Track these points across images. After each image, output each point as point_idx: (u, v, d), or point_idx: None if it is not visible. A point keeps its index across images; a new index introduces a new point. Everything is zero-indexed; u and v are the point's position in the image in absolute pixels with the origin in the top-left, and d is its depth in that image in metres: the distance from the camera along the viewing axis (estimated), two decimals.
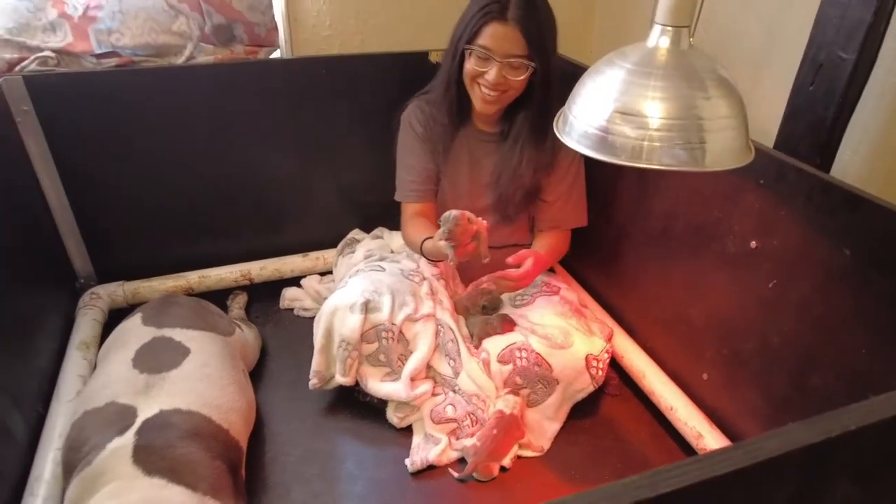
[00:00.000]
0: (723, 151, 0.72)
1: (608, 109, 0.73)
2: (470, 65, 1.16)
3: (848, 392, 0.84)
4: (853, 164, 1.05)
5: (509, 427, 1.12)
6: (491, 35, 1.11)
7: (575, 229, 1.38)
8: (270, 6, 1.40)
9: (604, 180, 1.34)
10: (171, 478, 0.83)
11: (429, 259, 1.28)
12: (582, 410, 1.23)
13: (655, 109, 0.71)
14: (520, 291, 1.35)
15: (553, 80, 1.18)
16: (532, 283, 1.36)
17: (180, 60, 1.35)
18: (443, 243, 1.09)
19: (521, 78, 1.15)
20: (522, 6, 1.10)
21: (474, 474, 1.08)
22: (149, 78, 1.30)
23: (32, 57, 1.23)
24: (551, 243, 1.33)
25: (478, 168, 1.33)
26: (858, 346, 0.82)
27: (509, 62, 1.13)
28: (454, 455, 1.13)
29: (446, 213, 1.06)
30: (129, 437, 0.87)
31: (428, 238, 1.18)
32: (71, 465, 0.88)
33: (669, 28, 0.73)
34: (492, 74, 1.13)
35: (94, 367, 1.19)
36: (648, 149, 0.71)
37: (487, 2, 1.11)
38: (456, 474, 1.09)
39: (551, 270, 1.52)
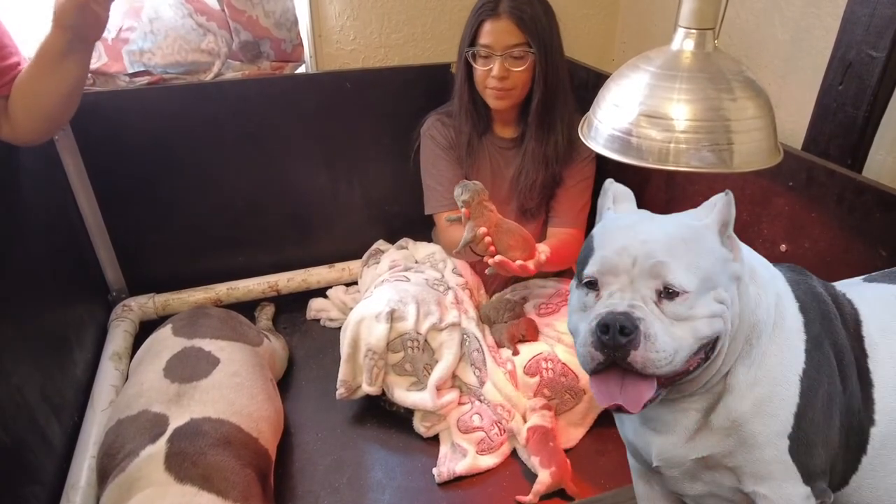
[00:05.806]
0: (751, 152, 0.71)
1: (634, 113, 0.73)
2: (478, 68, 1.21)
3: None
4: (886, 164, 1.03)
5: (555, 435, 1.13)
6: (487, 32, 1.17)
7: None
8: (296, 23, 1.43)
9: (630, 187, 1.32)
10: (203, 485, 0.84)
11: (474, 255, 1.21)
12: (611, 419, 1.20)
13: (681, 112, 0.70)
14: (544, 300, 1.35)
15: (555, 69, 1.21)
16: (556, 292, 1.35)
17: (209, 77, 1.38)
18: (468, 236, 1.09)
19: (524, 68, 1.19)
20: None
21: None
22: (179, 94, 1.34)
23: None
24: (562, 240, 1.31)
25: (500, 177, 1.34)
26: None
27: (510, 53, 1.17)
28: (482, 465, 1.11)
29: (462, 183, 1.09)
30: (160, 445, 0.88)
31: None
32: (106, 471, 0.89)
33: (693, 31, 0.73)
34: (495, 68, 1.18)
35: (126, 378, 1.22)
36: (675, 151, 0.71)
37: (481, 4, 1.18)
38: None
39: None
